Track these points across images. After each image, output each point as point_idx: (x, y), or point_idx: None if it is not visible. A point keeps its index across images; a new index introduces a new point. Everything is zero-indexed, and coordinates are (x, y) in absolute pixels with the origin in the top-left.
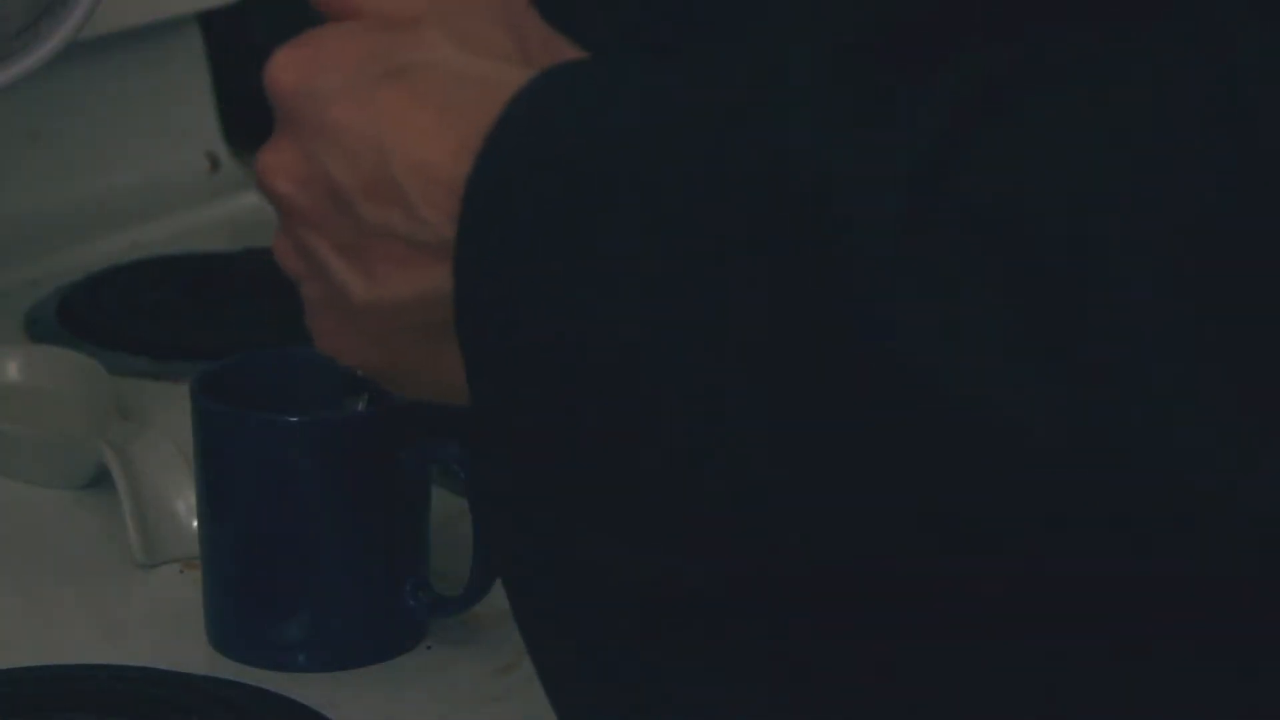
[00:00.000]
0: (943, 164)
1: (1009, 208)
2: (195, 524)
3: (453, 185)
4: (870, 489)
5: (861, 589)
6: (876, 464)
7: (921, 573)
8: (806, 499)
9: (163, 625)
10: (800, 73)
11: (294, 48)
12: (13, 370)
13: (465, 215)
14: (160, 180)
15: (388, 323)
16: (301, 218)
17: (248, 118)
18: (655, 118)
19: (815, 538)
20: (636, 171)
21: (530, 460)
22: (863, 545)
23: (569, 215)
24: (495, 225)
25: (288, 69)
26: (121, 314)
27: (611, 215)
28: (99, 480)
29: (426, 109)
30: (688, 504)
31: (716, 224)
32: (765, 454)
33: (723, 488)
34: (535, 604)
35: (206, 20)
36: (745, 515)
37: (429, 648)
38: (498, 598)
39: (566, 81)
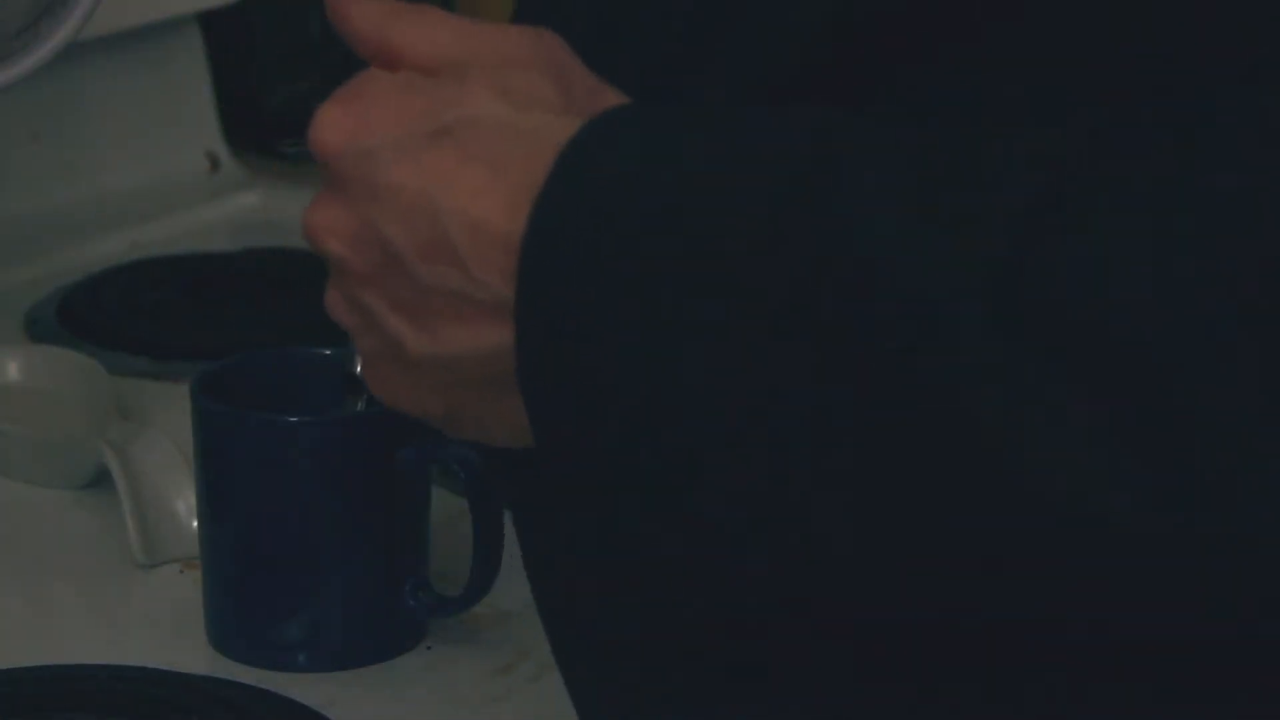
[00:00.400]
0: (1020, 268)
1: (1089, 310)
2: (195, 524)
3: (508, 243)
4: (947, 575)
5: (911, 637)
6: (958, 552)
7: (979, 632)
8: (876, 572)
9: (163, 625)
10: (861, 135)
11: (339, 104)
12: (13, 370)
13: (522, 273)
14: (160, 180)
15: (446, 376)
16: (355, 276)
17: (248, 118)
18: (712, 180)
19: (874, 598)
20: (695, 233)
21: (590, 508)
22: (926, 609)
23: (628, 271)
24: (552, 281)
25: (334, 128)
26: (121, 314)
27: (671, 279)
28: (99, 480)
29: (477, 166)
30: (748, 561)
31: (782, 298)
32: (837, 532)
33: (789, 549)
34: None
35: (206, 20)
36: (807, 575)
37: (429, 648)
38: (498, 598)
39: (615, 132)
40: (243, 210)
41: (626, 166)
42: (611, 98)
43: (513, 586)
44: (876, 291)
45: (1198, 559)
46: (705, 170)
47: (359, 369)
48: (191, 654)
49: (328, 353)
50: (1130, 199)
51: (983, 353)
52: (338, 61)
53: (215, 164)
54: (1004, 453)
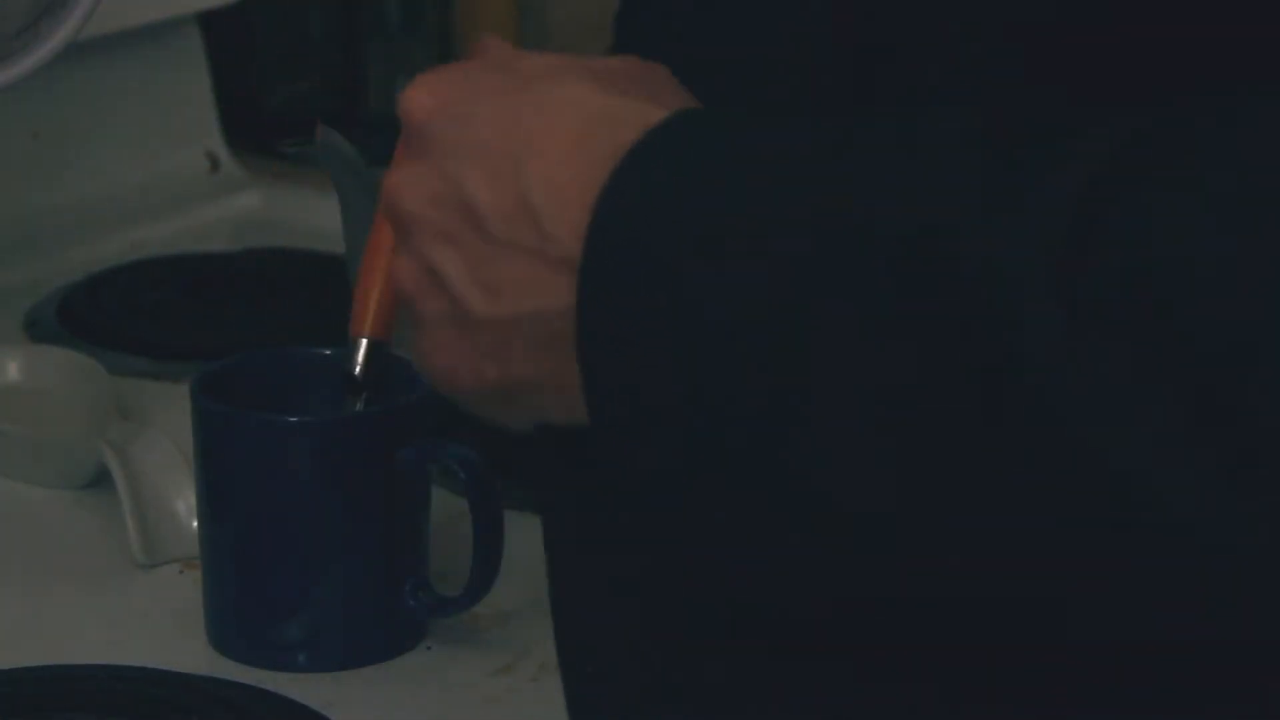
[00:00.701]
0: (1086, 238)
1: (1154, 288)
2: (195, 524)
3: (584, 203)
4: (1019, 565)
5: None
6: (1033, 543)
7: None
8: (921, 548)
9: (163, 625)
10: (934, 135)
11: (435, 75)
12: (13, 370)
13: (593, 231)
14: (160, 180)
15: (506, 336)
16: (430, 234)
17: (248, 118)
18: (794, 166)
19: (916, 576)
20: (774, 215)
21: (642, 479)
22: (967, 588)
23: (699, 245)
24: (622, 244)
25: (428, 93)
26: (121, 314)
27: (746, 258)
28: (99, 480)
29: (565, 135)
30: (804, 539)
31: (854, 287)
32: (905, 509)
33: (839, 521)
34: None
35: (206, 20)
36: (851, 551)
37: (429, 648)
38: (498, 598)
39: (707, 117)
40: (243, 210)
41: (711, 146)
42: None
43: (513, 586)
44: (939, 256)
45: (1260, 550)
46: (782, 151)
47: (359, 369)
48: (191, 654)
49: (328, 353)
50: (1206, 169)
51: (1045, 328)
52: (337, 61)
53: (215, 164)
54: (1064, 430)
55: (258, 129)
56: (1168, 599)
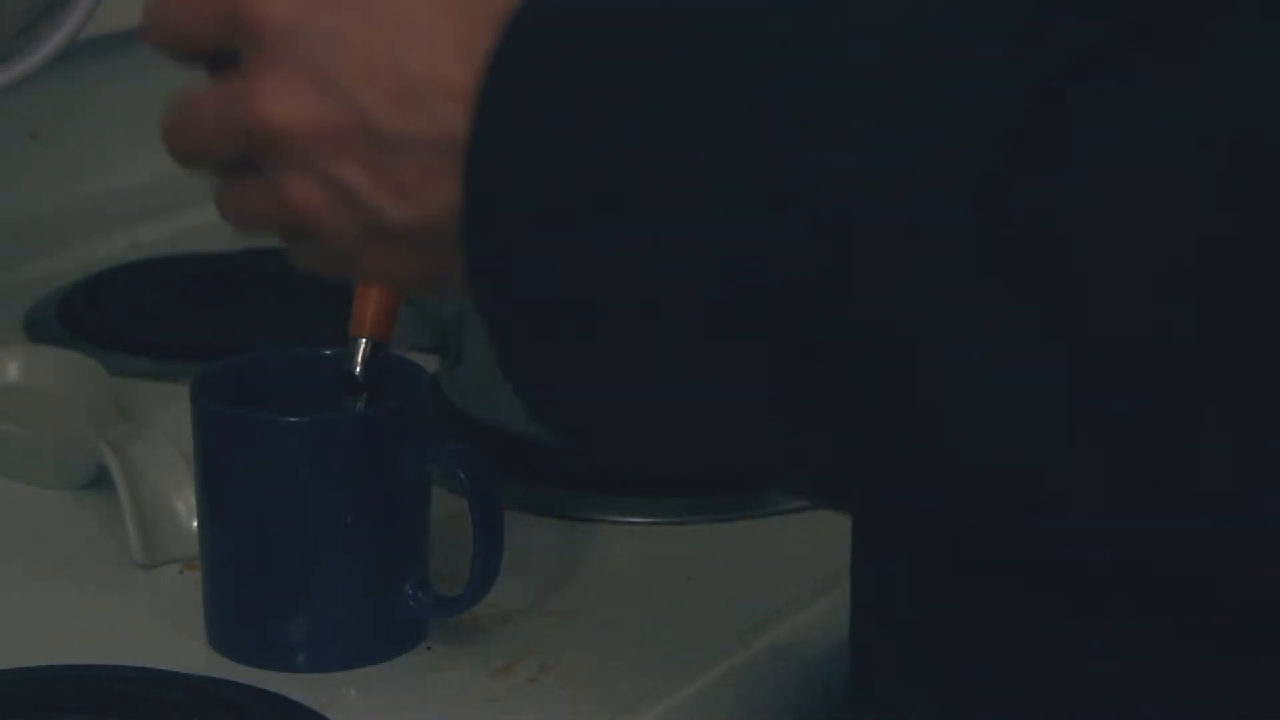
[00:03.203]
0: (999, 180)
1: (1061, 244)
2: (195, 524)
3: (468, 75)
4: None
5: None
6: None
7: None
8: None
9: (163, 625)
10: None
11: None
12: (13, 370)
13: (479, 110)
14: (160, 180)
15: (427, 238)
16: (322, 147)
17: None
18: (681, 20)
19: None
20: (657, 72)
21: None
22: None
23: (587, 120)
24: (509, 117)
25: (268, 2)
26: (121, 314)
27: (628, 129)
28: (99, 480)
29: (432, 6)
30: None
31: (740, 152)
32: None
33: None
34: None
35: None
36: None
37: (429, 648)
38: (498, 598)
39: None
40: None
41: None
42: None
43: (513, 586)
44: (832, 167)
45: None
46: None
47: (359, 369)
48: (191, 654)
49: (328, 353)
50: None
51: (945, 269)
52: None
53: None
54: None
55: None
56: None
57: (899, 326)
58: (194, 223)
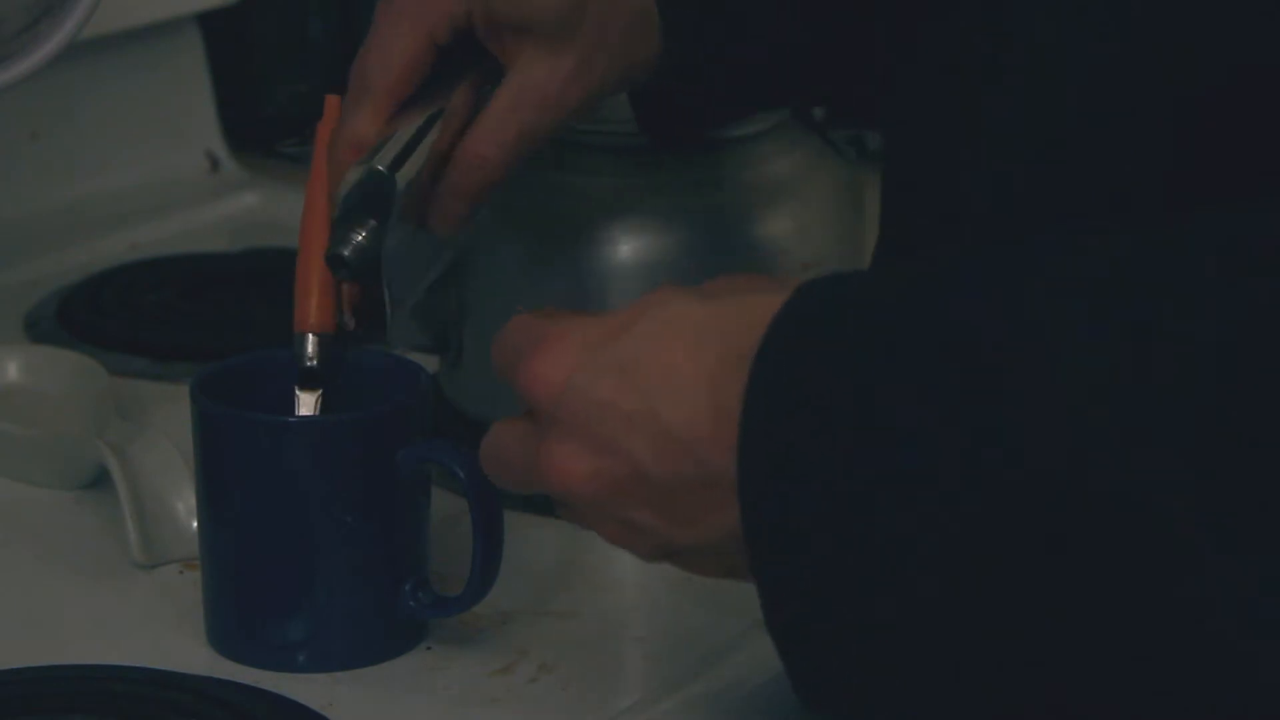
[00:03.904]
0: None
1: None
2: (195, 524)
3: (719, 417)
4: None
5: None
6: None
7: None
8: None
9: (163, 625)
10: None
11: (544, 349)
12: (13, 370)
13: (744, 445)
14: (160, 180)
15: (717, 550)
16: (612, 499)
17: (248, 118)
18: (936, 367)
19: None
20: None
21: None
22: None
23: (849, 440)
24: (773, 447)
25: (546, 369)
26: (121, 314)
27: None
28: (99, 480)
29: (681, 359)
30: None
31: (980, 475)
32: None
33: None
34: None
35: (206, 20)
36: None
37: (429, 648)
38: (498, 598)
39: (837, 295)
40: (243, 210)
41: (840, 332)
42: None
43: (513, 586)
44: (1071, 479)
45: None
46: (912, 338)
47: (312, 362)
48: (191, 654)
49: None
50: None
51: (1187, 551)
52: (337, 61)
53: (215, 164)
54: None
55: (258, 129)
56: None
57: None
58: (194, 223)
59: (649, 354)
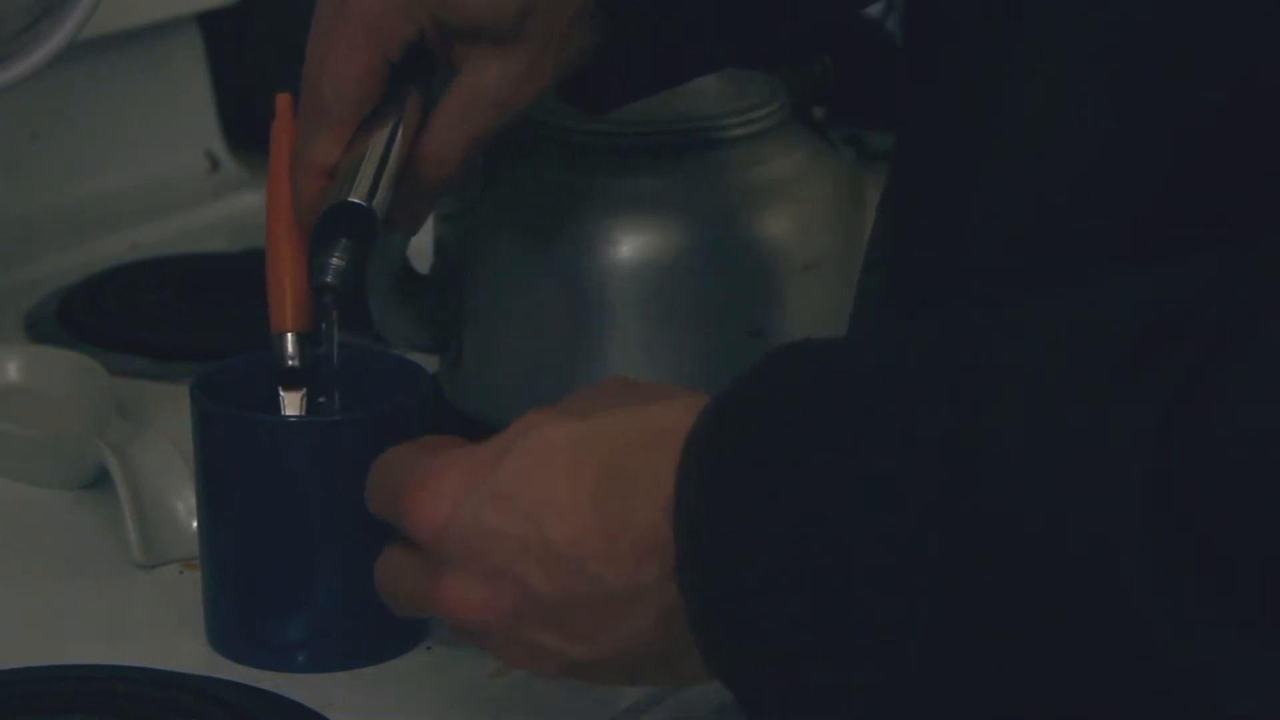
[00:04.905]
0: (1170, 471)
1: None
2: (195, 524)
3: (606, 532)
4: None
5: None
6: None
7: None
8: None
9: (163, 625)
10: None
11: (425, 486)
12: (13, 370)
13: (681, 545)
14: (160, 180)
15: (623, 662)
16: (509, 630)
17: (248, 118)
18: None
19: None
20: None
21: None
22: None
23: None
24: (715, 568)
25: (429, 507)
26: (121, 314)
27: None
28: (99, 480)
29: (560, 479)
30: None
31: (924, 539)
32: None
33: None
34: None
35: (206, 20)
36: None
37: (429, 648)
38: None
39: (724, 429)
40: (243, 210)
41: (756, 452)
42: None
43: None
44: (1023, 524)
45: None
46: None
47: (294, 362)
48: (191, 654)
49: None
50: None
51: (1141, 576)
52: None
53: (215, 164)
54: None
55: (258, 129)
56: None
57: None
58: (194, 223)
59: (528, 480)
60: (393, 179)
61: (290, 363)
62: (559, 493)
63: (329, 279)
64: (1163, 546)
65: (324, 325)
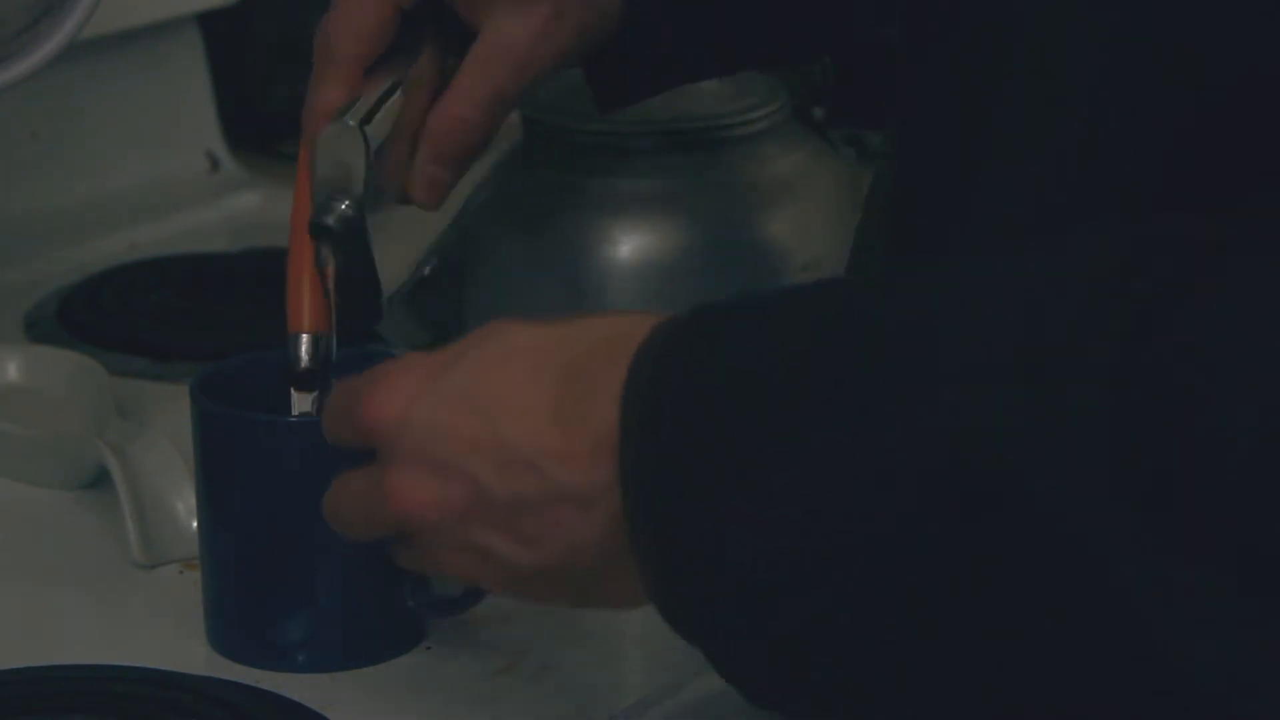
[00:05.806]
0: (1128, 421)
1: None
2: (194, 524)
3: (567, 434)
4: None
5: None
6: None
7: None
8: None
9: (163, 625)
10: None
11: (382, 382)
12: (13, 370)
13: (624, 453)
14: (160, 180)
15: (565, 572)
16: (455, 526)
17: (248, 118)
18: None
19: None
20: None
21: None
22: None
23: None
24: (659, 482)
25: (384, 400)
26: (121, 314)
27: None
28: (99, 480)
29: (521, 377)
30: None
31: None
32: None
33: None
34: None
35: (206, 20)
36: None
37: (429, 648)
38: (498, 597)
39: (686, 331)
40: (243, 210)
41: (727, 349)
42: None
43: None
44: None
45: None
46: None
47: (308, 363)
48: (191, 654)
49: None
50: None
51: (1141, 576)
52: None
53: (215, 164)
54: (1146, 636)
55: (258, 129)
56: None
57: None
58: (194, 223)
59: (487, 378)
60: (400, 138)
61: (304, 364)
62: (516, 392)
63: (329, 220)
64: (1158, 541)
65: (323, 271)
